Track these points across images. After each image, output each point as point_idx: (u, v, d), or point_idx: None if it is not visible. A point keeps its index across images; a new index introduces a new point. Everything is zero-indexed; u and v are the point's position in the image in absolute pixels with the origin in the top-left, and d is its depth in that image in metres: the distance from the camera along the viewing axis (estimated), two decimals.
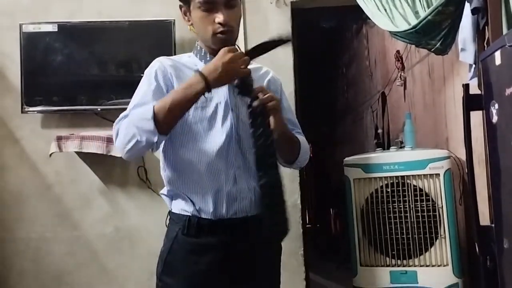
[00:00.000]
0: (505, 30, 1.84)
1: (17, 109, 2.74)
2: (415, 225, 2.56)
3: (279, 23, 2.89)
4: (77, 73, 2.76)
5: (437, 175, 2.54)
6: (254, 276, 1.42)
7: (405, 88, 3.87)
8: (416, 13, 2.31)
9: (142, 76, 1.46)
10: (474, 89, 1.94)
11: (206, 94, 1.33)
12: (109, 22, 2.77)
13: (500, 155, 1.52)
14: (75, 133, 2.70)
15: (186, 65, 1.47)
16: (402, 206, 2.59)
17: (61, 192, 2.81)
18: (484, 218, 2.04)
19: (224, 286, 1.40)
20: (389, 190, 2.62)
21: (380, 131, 4.39)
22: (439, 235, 2.53)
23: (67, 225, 2.80)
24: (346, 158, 2.82)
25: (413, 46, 3.01)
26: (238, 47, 1.49)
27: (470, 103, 1.73)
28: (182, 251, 1.40)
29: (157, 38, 2.73)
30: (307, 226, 5.99)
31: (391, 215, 2.61)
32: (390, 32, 2.49)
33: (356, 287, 2.72)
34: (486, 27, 2.01)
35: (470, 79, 2.18)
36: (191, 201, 1.40)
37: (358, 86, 5.90)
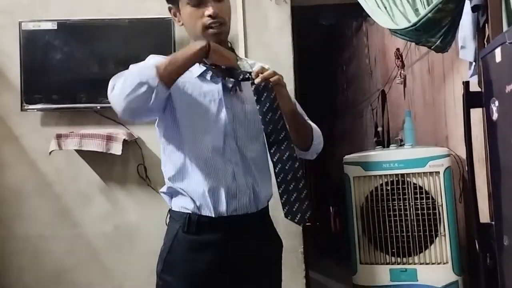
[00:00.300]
0: (505, 27, 1.84)
1: (17, 107, 2.74)
2: (415, 223, 2.56)
3: (278, 20, 2.89)
4: (77, 71, 2.76)
5: (437, 173, 2.54)
6: (255, 274, 1.42)
7: (405, 86, 3.87)
8: (416, 10, 2.30)
9: None
10: (474, 87, 1.93)
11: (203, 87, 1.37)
12: (108, 20, 2.77)
13: (500, 153, 1.52)
14: (75, 131, 2.70)
15: None
16: (402, 204, 2.59)
17: (61, 190, 2.81)
18: (484, 215, 2.04)
19: (224, 284, 1.40)
20: (389, 188, 2.62)
21: (380, 129, 4.39)
22: (439, 233, 2.54)
23: (67, 223, 2.80)
24: (346, 156, 2.82)
25: (413, 44, 3.01)
26: (230, 43, 1.50)
27: (470, 100, 1.73)
28: (182, 249, 1.40)
29: (156, 36, 2.73)
30: (307, 224, 5.98)
31: (391, 213, 2.61)
32: (390, 29, 2.49)
33: (356, 285, 2.72)
34: (486, 25, 2.01)
35: (470, 76, 2.18)
36: (191, 198, 1.40)
37: (358, 84, 5.90)
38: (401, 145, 2.91)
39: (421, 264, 2.55)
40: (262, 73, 1.35)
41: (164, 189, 1.47)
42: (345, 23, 6.11)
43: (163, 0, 1.53)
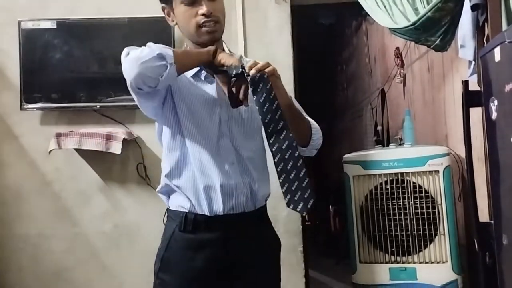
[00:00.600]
0: (504, 27, 1.84)
1: (16, 106, 2.73)
2: (415, 222, 2.57)
3: (278, 20, 2.89)
4: (76, 70, 2.76)
5: (437, 172, 2.54)
6: (253, 273, 1.42)
7: (404, 85, 3.87)
8: (415, 9, 2.30)
9: None
10: (473, 86, 1.93)
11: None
12: (108, 19, 2.76)
13: (499, 152, 1.52)
14: (74, 130, 2.70)
15: None
16: (401, 203, 2.59)
17: (60, 189, 2.81)
18: (483, 214, 2.04)
19: (222, 283, 1.40)
20: (388, 187, 2.62)
21: (379, 128, 4.39)
22: (438, 231, 2.54)
23: (66, 222, 2.80)
24: (346, 155, 2.82)
25: (412, 43, 3.01)
26: (224, 42, 1.50)
27: (470, 99, 1.73)
28: (179, 248, 1.40)
29: (156, 35, 2.72)
30: (307, 223, 5.99)
31: (391, 212, 2.61)
32: (389, 28, 2.49)
33: (356, 284, 2.72)
34: (486, 24, 2.01)
35: (470, 75, 2.18)
36: (187, 196, 1.40)
37: (357, 83, 5.90)
38: (400, 144, 2.91)
39: (420, 263, 2.56)
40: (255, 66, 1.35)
41: (160, 187, 1.47)
42: (344, 22, 6.11)
43: None
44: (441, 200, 2.53)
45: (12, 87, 2.79)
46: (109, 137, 2.62)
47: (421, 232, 2.55)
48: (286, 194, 1.30)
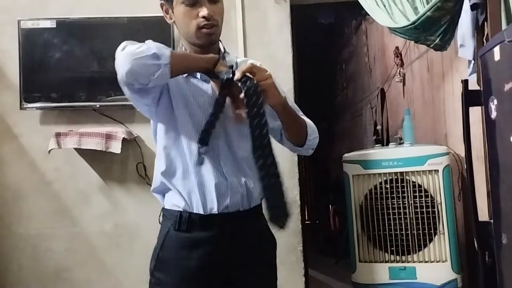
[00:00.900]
0: (504, 26, 1.84)
1: (16, 105, 2.73)
2: (414, 221, 2.57)
3: (278, 19, 2.88)
4: (76, 69, 2.76)
5: (436, 171, 2.55)
6: (248, 272, 1.42)
7: (404, 84, 3.88)
8: (415, 9, 2.30)
9: None
10: (473, 85, 1.93)
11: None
12: (107, 18, 2.76)
13: (499, 151, 1.52)
14: (74, 130, 2.70)
15: None
16: (401, 202, 2.60)
17: (60, 188, 2.81)
18: (483, 213, 2.04)
19: (217, 282, 1.39)
20: (388, 186, 2.62)
21: (379, 127, 4.39)
22: (438, 231, 2.54)
23: (66, 222, 2.80)
24: (345, 155, 2.82)
25: (412, 42, 3.01)
26: (220, 41, 1.50)
27: (469, 99, 1.73)
28: (174, 247, 1.40)
29: (156, 35, 2.71)
30: (306, 222, 6.00)
31: (390, 211, 2.61)
32: (389, 28, 2.49)
33: (355, 283, 2.72)
34: (485, 23, 2.01)
35: (469, 75, 2.18)
36: (181, 195, 1.40)
37: (357, 82, 5.90)
38: (400, 144, 2.91)
39: (420, 262, 2.56)
40: (250, 71, 1.34)
41: (155, 186, 1.46)
42: (344, 21, 6.11)
43: None
44: (440, 200, 2.54)
45: (11, 86, 2.79)
46: (108, 137, 2.62)
47: (421, 232, 2.56)
48: (269, 210, 1.33)
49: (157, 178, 1.46)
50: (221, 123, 1.41)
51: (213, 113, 1.37)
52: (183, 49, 1.49)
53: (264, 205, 1.34)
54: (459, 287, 2.52)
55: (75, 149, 2.74)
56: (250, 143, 1.42)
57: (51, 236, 2.79)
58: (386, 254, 2.61)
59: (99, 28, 2.76)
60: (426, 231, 2.55)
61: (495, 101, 1.49)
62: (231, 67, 1.36)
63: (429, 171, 2.56)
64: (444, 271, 2.52)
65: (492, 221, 1.59)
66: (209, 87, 1.44)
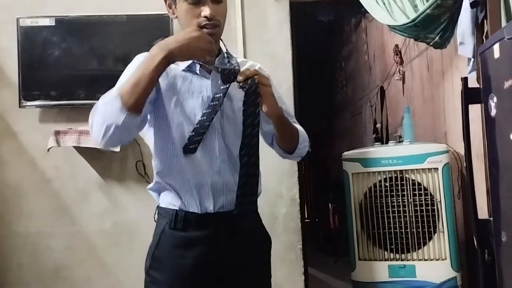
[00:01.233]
0: (503, 23, 1.84)
1: (15, 103, 2.73)
2: (414, 219, 2.57)
3: (277, 17, 2.88)
4: (75, 67, 2.75)
5: (436, 169, 2.55)
6: (243, 271, 1.41)
7: (403, 82, 3.87)
8: (414, 6, 2.30)
9: None
10: (473, 83, 1.93)
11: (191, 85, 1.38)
12: (107, 16, 2.76)
13: (498, 149, 1.52)
14: (73, 128, 2.70)
15: None
16: (400, 200, 2.60)
17: (60, 186, 2.81)
18: (482, 211, 2.04)
19: (212, 281, 1.39)
20: (387, 184, 2.62)
21: (378, 125, 4.39)
22: (437, 229, 2.54)
23: (66, 220, 2.80)
24: (345, 153, 2.82)
25: (411, 40, 3.01)
26: (222, 40, 1.49)
27: (469, 96, 1.72)
28: (169, 246, 1.39)
29: (155, 33, 2.72)
30: (306, 220, 6.00)
31: (390, 209, 2.61)
32: (388, 26, 2.49)
33: (355, 281, 2.72)
34: (485, 21, 2.01)
35: (469, 72, 2.18)
36: (178, 194, 1.39)
37: (357, 80, 5.89)
38: (399, 142, 2.91)
39: (419, 260, 2.56)
40: (253, 74, 1.35)
41: (151, 185, 1.46)
42: (344, 19, 6.10)
43: None
44: (440, 198, 2.54)
45: (10, 84, 2.78)
46: None
47: (420, 230, 2.56)
48: (237, 207, 1.37)
49: (154, 177, 1.45)
50: (219, 120, 1.41)
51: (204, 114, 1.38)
52: None
53: (236, 202, 1.38)
54: (459, 285, 2.52)
55: (75, 147, 2.73)
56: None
57: (51, 235, 2.79)
58: (386, 252, 2.62)
59: (98, 26, 2.76)
60: (426, 229, 2.55)
61: (495, 99, 1.49)
62: (234, 72, 1.36)
63: (428, 169, 2.56)
64: (443, 269, 2.52)
65: (491, 219, 1.59)
66: (207, 84, 1.43)
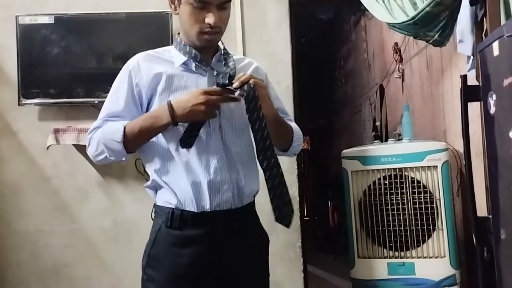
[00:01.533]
0: (503, 21, 1.84)
1: (14, 101, 2.73)
2: (413, 217, 2.57)
3: (277, 15, 2.88)
4: (74, 65, 2.75)
5: (435, 167, 2.55)
6: (240, 269, 1.41)
7: (403, 80, 3.87)
8: (414, 4, 2.30)
9: None
10: (472, 81, 1.93)
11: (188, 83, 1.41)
12: (106, 14, 2.76)
13: (497, 146, 1.52)
14: (72, 126, 2.70)
15: (165, 59, 1.46)
16: (399, 198, 2.60)
17: (59, 184, 2.81)
18: (481, 209, 2.05)
19: (209, 280, 1.38)
20: (386, 182, 2.62)
21: (378, 123, 4.39)
22: (436, 226, 2.54)
23: (65, 218, 2.80)
24: (344, 151, 2.82)
25: (411, 38, 3.01)
26: (222, 43, 1.49)
27: (468, 94, 1.72)
28: (165, 244, 1.39)
29: (154, 30, 2.72)
30: (305, 218, 6.01)
31: (389, 207, 2.61)
32: (388, 23, 2.48)
33: (354, 279, 2.73)
34: (484, 18, 2.01)
35: (468, 70, 2.18)
36: (174, 192, 1.39)
37: (356, 78, 5.89)
38: (399, 140, 2.91)
39: (418, 258, 2.56)
40: (246, 78, 1.36)
41: (148, 183, 1.46)
42: (343, 17, 6.10)
43: None
44: (439, 195, 2.54)
45: (10, 82, 2.78)
46: None
47: (419, 227, 2.56)
48: (275, 210, 1.37)
49: (150, 174, 1.45)
50: (217, 118, 1.41)
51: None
52: (178, 41, 1.47)
53: (271, 205, 1.38)
54: (458, 282, 2.52)
55: (74, 145, 2.73)
56: (245, 139, 1.43)
57: (50, 233, 2.79)
58: (385, 250, 2.62)
59: (97, 24, 2.75)
60: (425, 227, 2.56)
61: (494, 97, 1.49)
62: (230, 77, 1.37)
63: (428, 167, 2.56)
64: (442, 267, 2.52)
65: (490, 216, 1.59)
66: (204, 81, 1.43)
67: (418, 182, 2.58)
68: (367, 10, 2.67)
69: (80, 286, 2.79)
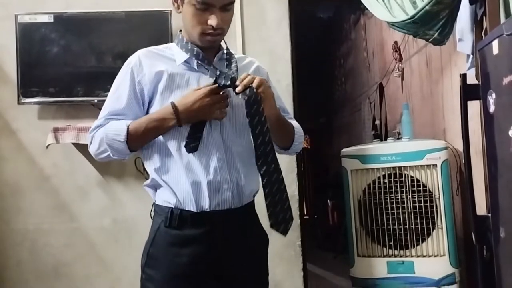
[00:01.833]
0: (502, 20, 1.84)
1: (14, 100, 2.72)
2: (412, 216, 2.57)
3: (276, 14, 2.87)
4: (74, 64, 2.74)
5: (434, 165, 2.55)
6: (240, 269, 1.40)
7: (402, 79, 3.87)
8: (413, 3, 2.30)
9: None
10: (471, 80, 1.93)
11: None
12: (105, 13, 2.75)
13: (497, 145, 1.52)
14: (72, 125, 2.69)
15: (167, 56, 1.45)
16: (399, 197, 2.60)
17: (59, 183, 2.81)
18: (481, 208, 2.05)
19: (208, 279, 1.38)
20: (386, 181, 2.62)
21: (377, 122, 4.40)
22: (436, 225, 2.55)
23: (65, 217, 2.80)
24: (344, 149, 2.82)
25: (410, 36, 3.01)
26: (225, 42, 1.49)
27: (468, 93, 1.73)
28: (164, 244, 1.38)
29: (153, 29, 2.72)
30: (305, 217, 6.01)
31: (388, 205, 2.62)
32: (388, 22, 2.48)
33: (354, 277, 2.73)
34: (484, 17, 2.01)
35: (468, 69, 2.18)
36: (173, 192, 1.38)
37: (356, 77, 5.89)
38: (398, 138, 2.91)
39: (418, 256, 2.57)
40: (247, 79, 1.35)
41: (147, 181, 1.45)
42: (343, 16, 6.10)
43: None
44: (438, 194, 2.54)
45: (9, 81, 2.78)
46: None
47: (419, 226, 2.56)
48: (271, 217, 1.35)
49: (150, 173, 1.45)
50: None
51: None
52: (180, 38, 1.46)
53: (267, 211, 1.36)
54: (457, 281, 2.53)
55: (73, 144, 2.73)
56: (246, 138, 1.43)
57: (50, 232, 2.79)
58: (384, 249, 2.62)
59: (97, 22, 2.75)
60: (424, 226, 2.56)
61: (494, 95, 1.49)
62: (232, 79, 1.36)
63: (427, 165, 2.56)
64: (442, 266, 2.52)
65: (490, 215, 1.59)
66: (206, 79, 1.43)
67: (418, 181, 2.58)
68: (367, 9, 2.66)
69: (79, 285, 2.78)
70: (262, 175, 1.36)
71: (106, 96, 1.48)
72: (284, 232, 1.36)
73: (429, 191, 2.56)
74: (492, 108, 1.51)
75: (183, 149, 1.38)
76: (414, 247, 2.57)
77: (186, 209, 1.37)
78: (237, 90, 1.34)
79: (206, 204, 1.37)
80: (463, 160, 1.80)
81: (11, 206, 2.79)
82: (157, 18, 2.72)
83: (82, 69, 2.75)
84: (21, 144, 2.81)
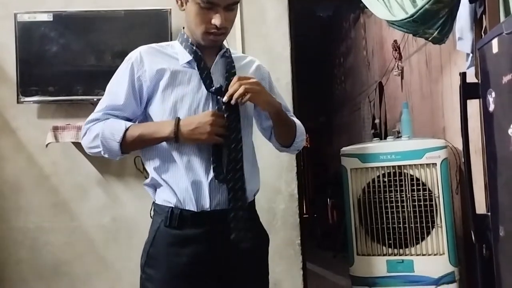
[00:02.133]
0: (502, 18, 1.84)
1: (13, 99, 2.72)
2: (412, 214, 2.57)
3: (276, 12, 2.87)
4: (73, 63, 2.74)
5: (434, 164, 2.55)
6: (240, 269, 1.40)
7: (402, 78, 3.87)
8: (413, 2, 2.30)
9: None
10: (471, 78, 1.94)
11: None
12: (104, 12, 2.75)
13: (496, 144, 1.52)
14: (72, 123, 2.69)
15: (169, 54, 1.45)
16: (398, 196, 2.60)
17: (58, 182, 2.81)
18: (480, 206, 2.05)
19: (209, 279, 1.38)
20: (386, 179, 2.62)
21: (377, 121, 4.40)
22: (435, 224, 2.55)
23: (64, 215, 2.80)
24: (343, 148, 2.82)
25: (410, 35, 3.01)
26: (226, 41, 1.49)
27: (467, 91, 1.73)
28: (164, 243, 1.38)
29: (153, 28, 2.72)
30: (305, 216, 6.02)
31: (388, 204, 2.62)
32: (387, 21, 2.48)
33: (353, 276, 2.73)
34: (484, 16, 2.01)
35: (468, 68, 2.18)
36: (174, 191, 1.38)
37: (355, 76, 5.89)
38: (398, 137, 2.91)
39: (417, 255, 2.57)
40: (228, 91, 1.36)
41: (147, 180, 1.45)
42: (342, 15, 6.10)
43: None
44: (438, 193, 2.54)
45: (8, 80, 2.78)
46: None
47: (418, 225, 2.56)
48: (233, 232, 1.37)
49: (149, 172, 1.44)
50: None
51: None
52: (185, 37, 1.46)
53: (230, 225, 1.37)
54: (457, 279, 2.53)
55: (73, 143, 2.73)
56: (247, 138, 1.43)
57: (50, 230, 2.79)
58: (384, 247, 2.62)
59: (96, 21, 2.74)
60: (424, 224, 2.56)
61: (493, 94, 1.49)
62: (220, 88, 1.39)
63: (427, 164, 2.56)
64: (441, 264, 2.52)
65: (489, 214, 1.59)
66: (207, 78, 1.43)
67: (417, 179, 2.58)
68: (367, 8, 2.66)
69: (79, 284, 2.79)
70: (228, 191, 1.37)
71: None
72: (243, 248, 1.38)
73: (429, 190, 2.56)
74: (491, 107, 1.51)
75: (183, 148, 1.38)
76: (413, 245, 2.57)
77: (187, 208, 1.37)
78: (223, 99, 1.36)
79: (206, 204, 1.37)
80: (463, 159, 1.80)
81: (11, 204, 2.79)
82: (156, 16, 2.72)
83: (82, 68, 2.74)
84: (20, 143, 2.81)
